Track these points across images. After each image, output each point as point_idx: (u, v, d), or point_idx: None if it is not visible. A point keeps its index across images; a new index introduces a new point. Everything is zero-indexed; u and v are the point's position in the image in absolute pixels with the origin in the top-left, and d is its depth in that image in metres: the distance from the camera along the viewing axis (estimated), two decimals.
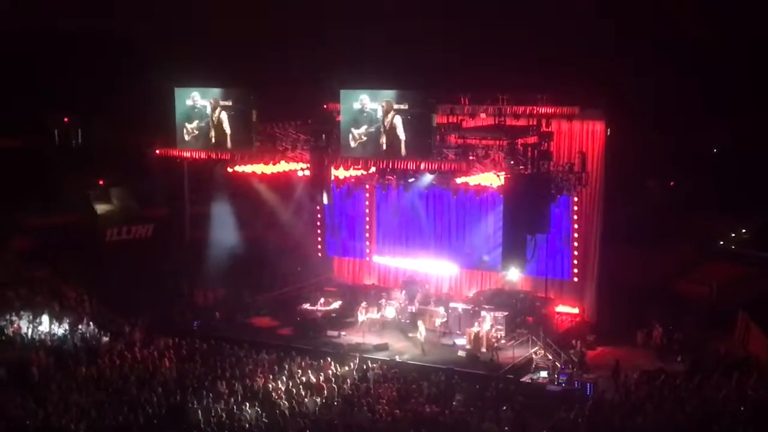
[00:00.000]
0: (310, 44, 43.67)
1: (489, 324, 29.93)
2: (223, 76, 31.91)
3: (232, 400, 23.76)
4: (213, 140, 30.62)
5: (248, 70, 36.45)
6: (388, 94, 27.56)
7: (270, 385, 24.90)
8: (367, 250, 37.24)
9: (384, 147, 27.78)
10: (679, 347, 29.61)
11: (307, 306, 32.53)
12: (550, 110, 29.60)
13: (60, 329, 29.58)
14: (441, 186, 31.61)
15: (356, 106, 27.89)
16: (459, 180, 29.87)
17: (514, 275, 31.77)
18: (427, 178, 30.24)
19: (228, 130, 30.42)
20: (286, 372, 26.24)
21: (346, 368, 26.98)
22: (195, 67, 35.29)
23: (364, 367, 27.16)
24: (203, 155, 31.15)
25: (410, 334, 30.45)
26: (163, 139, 31.71)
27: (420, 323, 30.22)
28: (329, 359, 27.44)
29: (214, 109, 30.51)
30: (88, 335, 29.42)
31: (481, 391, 25.08)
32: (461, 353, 29.05)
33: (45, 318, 29.93)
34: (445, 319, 31.15)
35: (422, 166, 27.94)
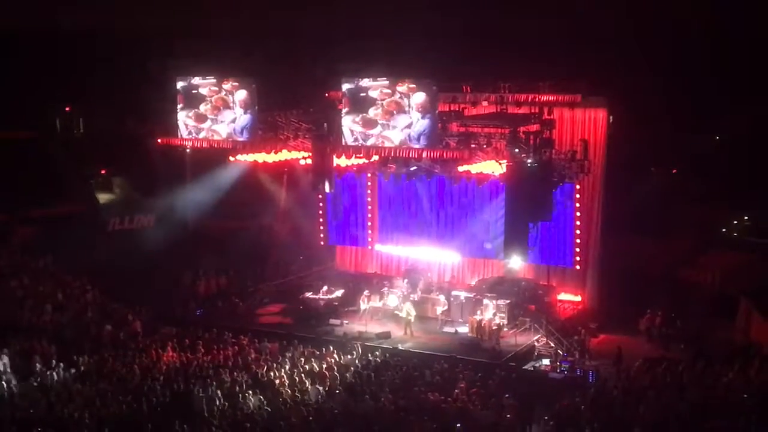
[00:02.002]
0: (311, 32, 43.60)
1: (491, 312, 29.96)
2: (225, 65, 31.85)
3: (236, 388, 23.82)
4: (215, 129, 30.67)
5: (250, 58, 36.38)
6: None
7: (272, 374, 24.96)
8: (369, 239, 37.26)
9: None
10: (682, 335, 29.65)
11: (309, 294, 32.58)
12: (552, 98, 29.51)
13: (63, 318, 29.65)
14: (443, 174, 31.60)
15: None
16: (461, 168, 29.85)
17: (516, 263, 31.79)
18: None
19: (230, 119, 30.42)
20: (288, 360, 26.30)
21: (349, 357, 27.04)
22: (197, 56, 35.25)
23: (368, 355, 27.22)
24: (205, 144, 31.14)
25: (395, 312, 30.57)
26: (164, 128, 31.69)
27: (408, 304, 30.36)
28: (332, 348, 27.50)
29: (215, 98, 30.53)
30: (91, 324, 29.47)
31: (484, 379, 25.12)
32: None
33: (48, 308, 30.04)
34: (446, 307, 31.20)
35: (424, 154, 27.95)
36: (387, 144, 27.92)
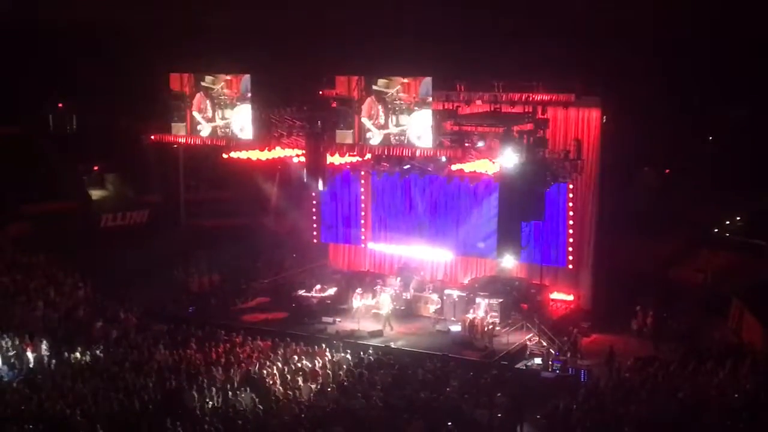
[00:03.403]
0: (306, 30, 43.57)
1: (483, 311, 29.98)
2: (220, 62, 31.80)
3: (228, 386, 23.80)
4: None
5: (244, 55, 36.34)
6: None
7: (265, 372, 24.94)
8: (362, 237, 37.24)
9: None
10: (673, 334, 29.71)
11: (302, 292, 32.55)
12: (545, 97, 29.60)
13: (55, 315, 29.58)
14: (436, 173, 31.59)
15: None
16: (454, 167, 29.86)
17: (509, 262, 31.73)
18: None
19: (224, 116, 30.39)
20: (280, 358, 26.28)
21: (341, 355, 27.03)
22: (191, 52, 35.22)
23: (360, 353, 27.21)
24: (198, 141, 31.09)
25: (374, 311, 30.54)
26: (157, 125, 31.62)
27: (383, 295, 30.49)
28: (324, 345, 27.49)
29: (209, 94, 30.49)
30: (83, 321, 29.40)
31: (476, 378, 25.14)
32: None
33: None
34: (439, 305, 31.22)
35: (418, 152, 27.94)
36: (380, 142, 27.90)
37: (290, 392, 23.54)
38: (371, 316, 30.86)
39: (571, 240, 32.27)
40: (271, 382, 24.21)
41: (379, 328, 29.86)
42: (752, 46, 41.14)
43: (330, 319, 30.79)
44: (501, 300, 30.50)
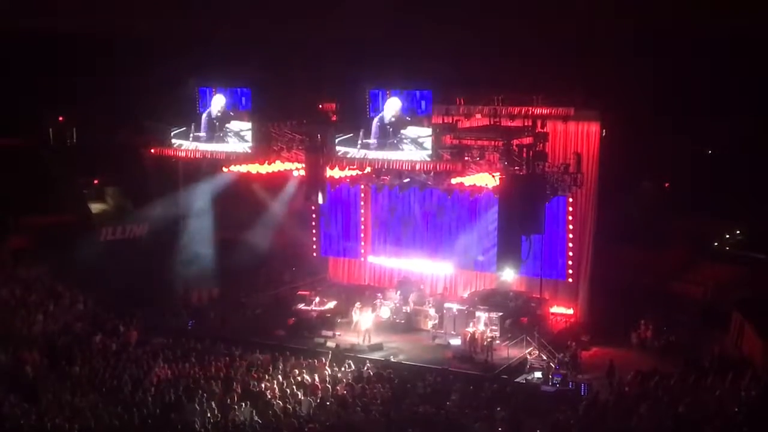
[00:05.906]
0: (304, 43, 43.74)
1: (483, 324, 29.94)
2: (220, 75, 31.88)
3: (227, 400, 23.74)
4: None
5: (245, 69, 36.43)
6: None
7: (264, 385, 24.89)
8: (362, 251, 37.23)
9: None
10: (674, 347, 29.68)
11: (301, 306, 32.50)
12: (545, 111, 29.63)
13: (54, 328, 29.53)
14: (436, 186, 31.64)
15: None
16: (454, 180, 29.89)
17: (509, 276, 31.80)
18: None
19: (224, 129, 30.43)
20: (280, 372, 26.23)
21: (341, 369, 26.97)
22: (192, 66, 35.28)
23: (361, 367, 27.15)
24: (198, 155, 31.12)
25: (354, 321, 30.50)
26: (157, 138, 31.66)
27: (357, 310, 30.44)
28: (323, 359, 27.43)
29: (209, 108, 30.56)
30: (82, 335, 29.35)
31: (476, 392, 25.09)
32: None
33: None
34: (437, 321, 31.16)
35: (417, 166, 27.98)
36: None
37: (290, 406, 23.47)
38: (354, 328, 30.75)
39: (570, 253, 32.27)
40: (270, 396, 24.15)
41: (378, 341, 29.83)
42: (752, 57, 41.30)
43: (330, 333, 30.73)
44: (501, 314, 30.46)
